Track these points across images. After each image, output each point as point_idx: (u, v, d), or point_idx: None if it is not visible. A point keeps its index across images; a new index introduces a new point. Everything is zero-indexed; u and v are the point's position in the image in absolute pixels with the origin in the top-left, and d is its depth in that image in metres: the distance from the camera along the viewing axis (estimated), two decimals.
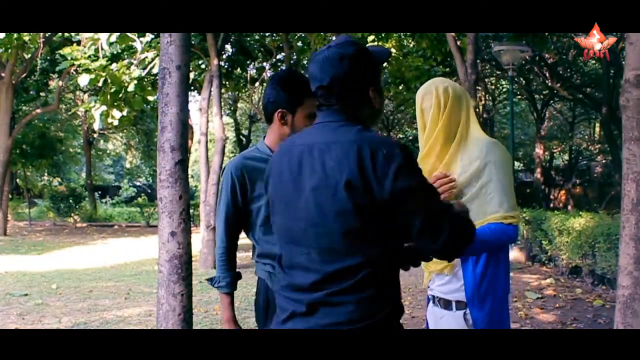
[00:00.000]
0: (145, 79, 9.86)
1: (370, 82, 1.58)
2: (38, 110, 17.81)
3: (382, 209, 1.43)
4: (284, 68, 13.96)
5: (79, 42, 10.05)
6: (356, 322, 1.45)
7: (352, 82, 1.54)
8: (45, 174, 27.97)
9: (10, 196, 20.35)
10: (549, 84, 17.71)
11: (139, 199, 23.99)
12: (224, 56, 13.46)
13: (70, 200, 20.28)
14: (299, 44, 14.02)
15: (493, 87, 20.90)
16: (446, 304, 2.07)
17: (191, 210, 4.54)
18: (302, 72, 2.29)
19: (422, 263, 2.15)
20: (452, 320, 2.03)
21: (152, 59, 9.34)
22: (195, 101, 18.35)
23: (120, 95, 8.83)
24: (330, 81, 1.53)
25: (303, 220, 1.50)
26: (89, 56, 8.94)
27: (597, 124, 21.94)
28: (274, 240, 2.02)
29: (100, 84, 8.83)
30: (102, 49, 8.75)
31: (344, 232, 1.45)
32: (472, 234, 1.54)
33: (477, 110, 16.52)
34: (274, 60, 14.68)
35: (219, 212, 2.29)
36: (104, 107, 8.87)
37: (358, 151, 1.43)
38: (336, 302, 1.46)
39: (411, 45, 13.03)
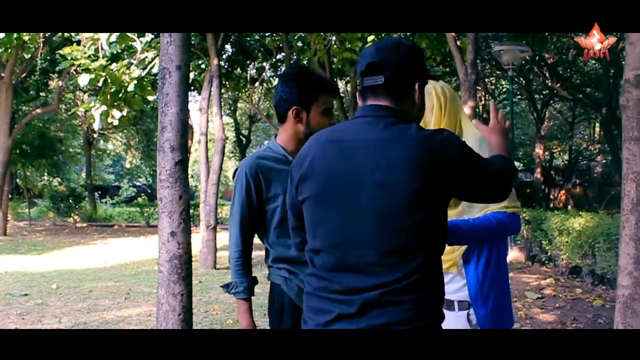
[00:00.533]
0: (145, 79, 9.85)
1: (418, 77, 1.59)
2: (38, 110, 17.81)
3: (448, 199, 1.53)
4: (284, 68, 13.97)
5: (79, 42, 10.05)
6: (409, 322, 1.45)
7: (404, 70, 1.54)
8: (45, 174, 27.97)
9: (10, 196, 20.36)
10: (549, 84, 17.72)
11: (139, 199, 23.97)
12: (224, 56, 13.47)
13: (70, 200, 20.27)
14: (299, 44, 14.01)
15: (493, 87, 20.91)
16: (448, 304, 2.07)
17: (191, 210, 4.54)
18: (328, 82, 2.27)
19: None
20: (454, 321, 2.04)
21: (152, 59, 9.34)
22: (195, 101, 18.36)
23: (120, 95, 8.82)
24: (381, 62, 1.52)
25: (364, 219, 1.46)
26: (89, 56, 8.93)
27: (597, 124, 21.95)
28: (289, 243, 2.06)
29: (100, 84, 8.83)
30: (102, 49, 8.75)
31: (413, 230, 1.45)
32: (514, 169, 1.67)
33: (477, 110, 16.51)
34: (274, 60, 14.68)
35: (233, 213, 2.21)
36: (104, 107, 8.87)
37: (424, 149, 1.45)
38: (392, 301, 1.45)
39: None
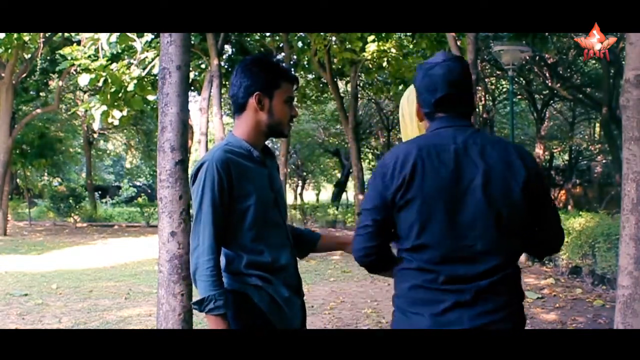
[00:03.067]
0: (145, 79, 9.86)
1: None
2: (38, 110, 17.83)
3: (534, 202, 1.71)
4: None
5: (79, 42, 10.06)
6: (510, 305, 1.68)
7: (470, 86, 1.78)
8: (45, 174, 27.98)
9: (10, 196, 20.37)
10: (549, 84, 17.71)
11: (139, 199, 23.98)
12: (224, 56, 13.48)
13: (70, 200, 20.28)
14: (299, 44, 14.02)
15: (493, 87, 20.89)
16: None
17: (191, 210, 4.54)
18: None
19: None
20: None
21: (152, 59, 9.35)
22: (195, 101, 18.36)
23: (120, 95, 8.83)
24: (465, 85, 1.74)
25: (471, 214, 1.63)
26: (89, 56, 8.94)
27: (597, 124, 21.94)
28: (260, 248, 1.93)
29: (100, 84, 8.84)
30: (102, 49, 8.75)
31: (512, 223, 1.66)
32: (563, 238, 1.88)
33: (477, 110, 16.52)
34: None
35: (202, 216, 1.89)
36: (104, 107, 8.87)
37: (516, 152, 1.69)
38: (499, 289, 1.65)
39: (411, 46, 13.04)
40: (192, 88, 15.10)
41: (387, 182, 1.66)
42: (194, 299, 1.90)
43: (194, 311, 3.38)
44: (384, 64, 12.72)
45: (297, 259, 2.14)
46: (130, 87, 8.76)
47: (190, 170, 2.06)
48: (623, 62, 4.03)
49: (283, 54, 13.70)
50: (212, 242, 1.87)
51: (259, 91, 1.96)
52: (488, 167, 1.64)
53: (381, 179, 1.68)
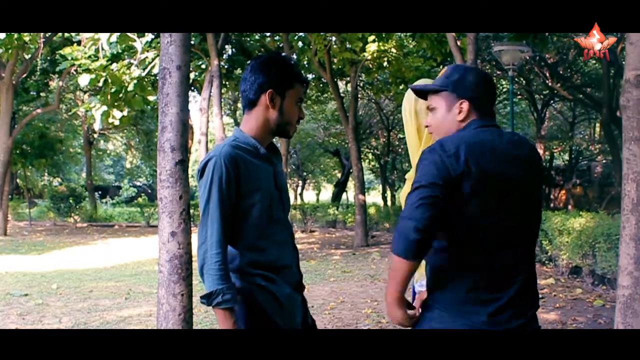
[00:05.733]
0: (145, 79, 9.86)
1: None
2: (38, 111, 17.82)
3: None
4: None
5: (79, 42, 10.06)
6: (537, 302, 1.79)
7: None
8: (46, 174, 28.00)
9: (10, 196, 20.37)
10: (549, 84, 17.70)
11: (139, 199, 23.99)
12: (224, 56, 13.48)
13: (71, 200, 20.28)
14: (299, 44, 14.02)
15: None
16: None
17: (191, 210, 4.54)
18: (302, 72, 2.23)
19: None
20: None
21: (152, 59, 9.35)
22: (195, 101, 18.38)
23: (121, 95, 8.83)
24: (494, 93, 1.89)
25: (519, 217, 1.71)
26: (89, 56, 8.94)
27: (597, 124, 21.94)
28: (262, 246, 1.94)
29: (100, 84, 8.83)
30: (102, 49, 8.76)
31: (538, 220, 1.81)
32: None
33: None
34: None
35: (211, 211, 1.88)
36: (105, 107, 8.87)
37: (535, 150, 1.82)
38: (531, 287, 1.75)
39: (411, 46, 13.04)
40: (192, 88, 15.11)
41: (449, 166, 1.64)
42: (201, 293, 1.88)
43: (194, 311, 3.39)
44: (384, 64, 12.72)
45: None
46: (131, 87, 8.75)
47: (198, 166, 2.03)
48: (623, 62, 4.03)
49: (283, 54, 13.69)
50: (220, 237, 1.86)
51: (272, 89, 1.96)
52: (527, 164, 1.74)
53: (443, 161, 1.65)
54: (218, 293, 1.83)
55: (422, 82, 2.11)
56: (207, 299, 1.84)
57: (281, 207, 2.03)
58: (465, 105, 1.77)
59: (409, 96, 2.20)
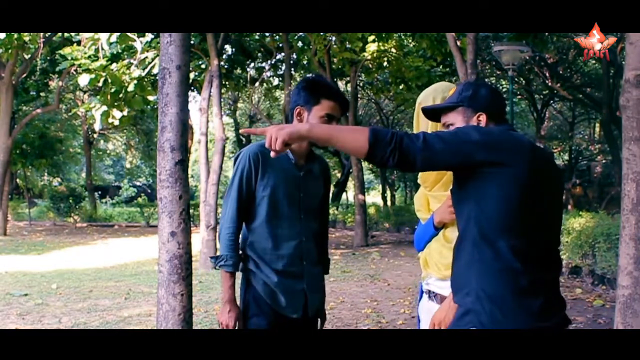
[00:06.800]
0: (145, 79, 9.85)
1: None
2: (38, 111, 17.82)
3: None
4: (284, 68, 13.96)
5: (79, 42, 10.06)
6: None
7: None
8: (45, 174, 27.99)
9: (10, 196, 20.38)
10: (549, 84, 17.72)
11: (139, 199, 23.98)
12: (224, 56, 13.47)
13: (70, 200, 20.29)
14: (299, 44, 14.02)
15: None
16: (443, 300, 2.06)
17: (191, 210, 4.55)
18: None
19: (422, 263, 2.16)
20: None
21: (152, 59, 9.35)
22: (195, 101, 18.35)
23: (121, 95, 8.83)
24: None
25: (558, 217, 1.87)
26: (89, 56, 8.94)
27: (597, 124, 21.95)
28: (266, 231, 2.32)
29: (100, 84, 8.83)
30: (102, 49, 8.76)
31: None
32: None
33: None
34: (274, 60, 14.68)
35: (231, 193, 2.33)
36: (105, 108, 8.87)
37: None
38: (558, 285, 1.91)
39: (411, 46, 13.03)
40: (192, 88, 15.09)
41: (515, 149, 1.72)
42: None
43: (194, 311, 3.40)
44: (384, 63, 12.72)
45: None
46: (131, 87, 8.76)
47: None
48: (623, 62, 4.03)
49: (283, 54, 13.71)
50: (234, 214, 2.32)
51: (299, 106, 2.30)
52: (557, 166, 1.91)
53: (510, 138, 1.75)
54: (223, 257, 2.31)
55: (428, 99, 2.12)
56: (215, 260, 2.35)
57: (296, 208, 2.36)
58: (484, 117, 1.88)
59: (426, 96, 2.15)
